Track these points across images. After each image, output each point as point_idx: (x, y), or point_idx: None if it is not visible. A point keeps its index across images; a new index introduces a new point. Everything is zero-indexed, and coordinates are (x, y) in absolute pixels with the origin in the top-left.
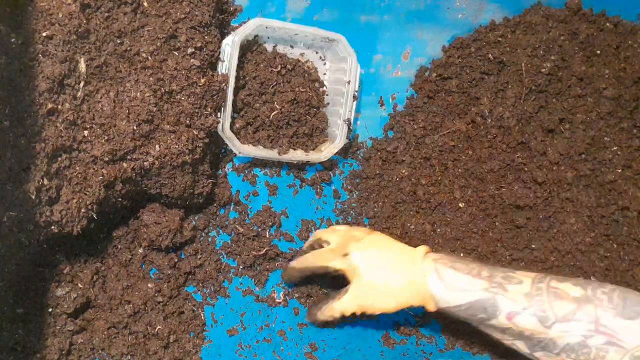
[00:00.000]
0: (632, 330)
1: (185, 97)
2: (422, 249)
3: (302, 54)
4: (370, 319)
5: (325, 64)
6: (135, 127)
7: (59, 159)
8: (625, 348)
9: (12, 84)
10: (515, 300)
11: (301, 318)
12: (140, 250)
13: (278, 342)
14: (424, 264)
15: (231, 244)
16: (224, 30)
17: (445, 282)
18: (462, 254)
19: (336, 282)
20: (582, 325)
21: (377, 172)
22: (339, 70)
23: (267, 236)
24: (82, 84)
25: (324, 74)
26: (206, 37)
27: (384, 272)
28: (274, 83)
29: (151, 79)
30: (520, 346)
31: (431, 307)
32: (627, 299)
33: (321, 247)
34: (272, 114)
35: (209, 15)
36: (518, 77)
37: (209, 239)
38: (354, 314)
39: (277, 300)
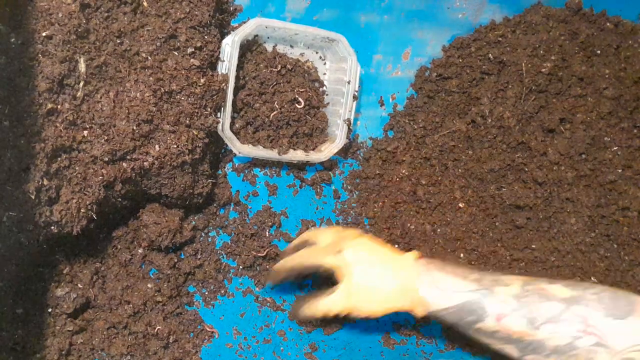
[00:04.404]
0: (621, 331)
1: (185, 97)
2: (413, 254)
3: (302, 54)
4: (359, 321)
5: (325, 64)
6: (135, 127)
7: (59, 159)
8: (615, 349)
9: (12, 84)
10: (504, 302)
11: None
12: (140, 251)
13: (278, 342)
14: (415, 267)
15: (231, 244)
16: (224, 30)
17: (435, 283)
18: (461, 255)
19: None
20: (571, 326)
21: (377, 172)
22: (339, 70)
23: (267, 236)
24: (81, 84)
25: (324, 74)
26: (206, 37)
27: (376, 273)
28: (274, 83)
29: (151, 79)
30: (510, 351)
31: (420, 312)
32: (617, 299)
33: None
34: (272, 114)
35: (209, 15)
36: (518, 77)
37: (209, 239)
38: (338, 316)
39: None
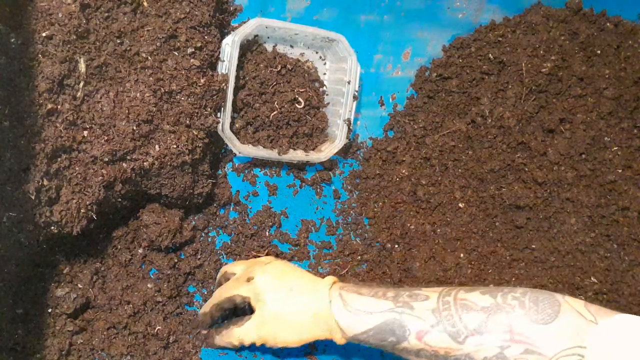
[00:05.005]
0: (548, 337)
1: (185, 97)
2: (329, 279)
3: (302, 54)
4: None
5: (325, 64)
6: (135, 127)
7: (59, 159)
8: (545, 355)
9: (12, 84)
10: (423, 318)
11: None
12: (140, 251)
13: None
14: (329, 293)
15: (231, 244)
16: (224, 30)
17: (350, 306)
18: (461, 255)
19: None
20: (497, 336)
21: (377, 172)
22: (339, 70)
23: (267, 236)
24: (81, 84)
25: (324, 74)
26: (206, 37)
27: (289, 301)
28: (274, 83)
29: (151, 79)
30: None
31: (339, 339)
32: (539, 302)
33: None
34: (272, 114)
35: (209, 15)
36: (518, 77)
37: (209, 239)
38: (254, 345)
39: None
